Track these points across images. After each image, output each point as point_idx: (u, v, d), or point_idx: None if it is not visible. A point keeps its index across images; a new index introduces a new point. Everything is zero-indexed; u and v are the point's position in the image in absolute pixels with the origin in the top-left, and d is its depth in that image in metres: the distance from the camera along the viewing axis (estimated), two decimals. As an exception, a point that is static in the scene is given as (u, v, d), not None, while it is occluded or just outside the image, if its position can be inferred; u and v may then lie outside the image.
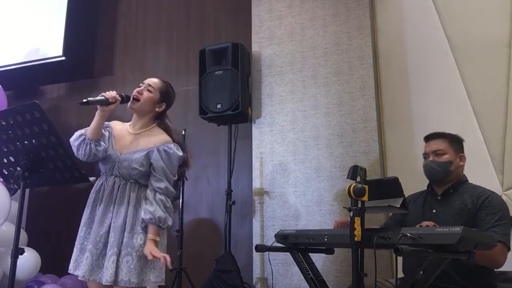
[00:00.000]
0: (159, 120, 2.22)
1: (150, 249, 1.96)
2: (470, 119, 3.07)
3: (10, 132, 1.78)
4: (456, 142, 2.25)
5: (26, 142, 1.78)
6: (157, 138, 2.13)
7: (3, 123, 1.77)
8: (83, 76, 4.56)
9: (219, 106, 3.35)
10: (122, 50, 4.46)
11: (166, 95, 2.20)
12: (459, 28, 3.22)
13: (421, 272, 1.77)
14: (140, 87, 2.17)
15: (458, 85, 3.15)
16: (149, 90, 2.15)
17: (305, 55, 3.46)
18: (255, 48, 3.63)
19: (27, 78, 4.60)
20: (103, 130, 2.12)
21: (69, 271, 2.05)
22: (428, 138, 2.30)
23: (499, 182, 2.93)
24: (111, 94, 2.04)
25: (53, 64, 4.42)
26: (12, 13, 4.65)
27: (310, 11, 3.52)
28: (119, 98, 2.06)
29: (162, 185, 2.04)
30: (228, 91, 3.35)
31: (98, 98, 2.02)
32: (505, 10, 3.08)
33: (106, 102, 2.02)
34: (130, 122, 2.23)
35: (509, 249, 2.03)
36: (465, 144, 2.28)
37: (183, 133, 3.42)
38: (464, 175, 2.25)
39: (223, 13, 4.09)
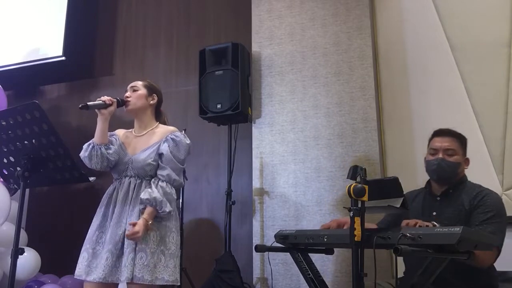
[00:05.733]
0: (159, 118, 2.34)
1: (137, 228, 1.94)
2: (470, 119, 3.06)
3: (10, 132, 1.78)
4: (465, 144, 2.19)
5: (26, 142, 1.78)
6: (164, 130, 2.25)
7: (3, 123, 1.77)
8: (83, 76, 4.56)
9: (219, 106, 3.35)
10: (122, 50, 4.46)
11: (152, 87, 2.33)
12: (459, 28, 3.21)
13: (420, 273, 1.76)
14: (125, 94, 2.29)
15: (458, 85, 3.14)
16: (135, 90, 2.27)
17: (305, 55, 3.46)
18: (255, 48, 3.63)
19: (27, 78, 4.60)
20: (109, 137, 2.20)
21: (78, 277, 2.03)
22: (441, 134, 2.18)
23: (499, 182, 2.93)
24: (107, 97, 2.16)
25: (53, 64, 4.41)
26: (12, 13, 4.65)
27: (310, 11, 3.51)
28: (115, 100, 2.18)
29: (164, 172, 2.11)
30: (228, 91, 3.34)
31: (97, 102, 2.12)
32: (505, 10, 3.08)
33: (104, 105, 2.13)
34: (133, 128, 2.32)
35: (498, 250, 1.96)
36: (465, 144, 2.26)
37: (183, 133, 3.42)
38: (464, 174, 2.21)
39: (223, 13, 4.09)
